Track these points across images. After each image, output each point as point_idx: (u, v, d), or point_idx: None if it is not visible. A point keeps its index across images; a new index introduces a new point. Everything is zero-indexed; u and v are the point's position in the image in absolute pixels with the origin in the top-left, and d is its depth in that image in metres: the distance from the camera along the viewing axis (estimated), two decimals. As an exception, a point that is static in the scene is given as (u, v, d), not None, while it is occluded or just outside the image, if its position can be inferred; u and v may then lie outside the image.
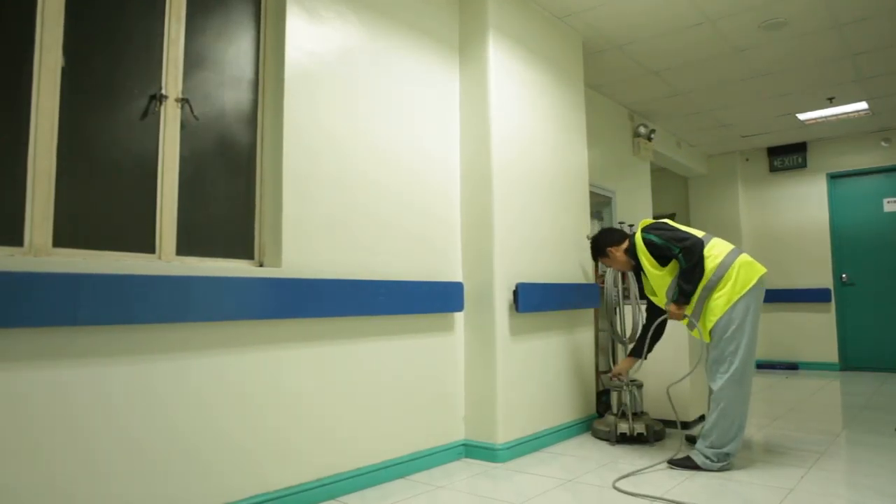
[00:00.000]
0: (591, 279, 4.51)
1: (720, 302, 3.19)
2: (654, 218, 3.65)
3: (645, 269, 3.44)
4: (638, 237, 3.45)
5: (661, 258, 3.35)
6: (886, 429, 4.10)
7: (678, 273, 3.26)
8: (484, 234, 3.60)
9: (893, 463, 3.28)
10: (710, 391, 3.25)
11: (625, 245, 3.61)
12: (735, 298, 3.16)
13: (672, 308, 3.29)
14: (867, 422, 4.43)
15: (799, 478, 3.03)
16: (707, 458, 3.16)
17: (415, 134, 3.46)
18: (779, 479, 3.01)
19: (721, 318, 3.18)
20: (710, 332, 3.25)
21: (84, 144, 2.29)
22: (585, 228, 4.48)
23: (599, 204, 5.87)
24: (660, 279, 3.38)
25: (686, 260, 3.20)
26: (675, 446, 3.69)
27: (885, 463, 3.28)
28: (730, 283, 3.18)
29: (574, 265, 4.28)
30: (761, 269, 3.24)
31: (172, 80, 2.54)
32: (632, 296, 4.08)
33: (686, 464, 3.21)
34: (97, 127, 2.33)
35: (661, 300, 3.46)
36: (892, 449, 3.57)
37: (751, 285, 3.17)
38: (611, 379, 3.93)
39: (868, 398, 5.49)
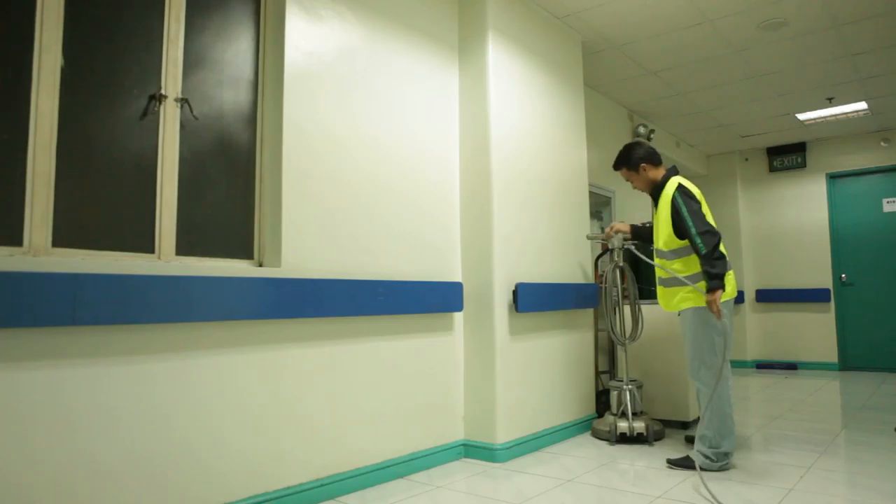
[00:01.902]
0: (591, 279, 4.51)
1: (694, 295, 3.21)
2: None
3: (659, 215, 3.37)
4: (672, 187, 3.31)
5: (676, 226, 3.26)
6: (886, 428, 4.10)
7: (700, 259, 3.14)
8: (483, 234, 3.60)
9: (893, 462, 3.28)
10: (699, 392, 3.27)
11: (659, 173, 3.45)
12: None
13: (708, 298, 3.11)
14: (866, 421, 4.43)
15: (798, 477, 3.04)
16: (707, 457, 3.17)
17: (414, 134, 3.46)
18: (778, 479, 3.01)
19: (694, 311, 3.22)
20: (680, 315, 3.37)
21: (83, 144, 2.29)
22: (585, 228, 4.48)
23: (599, 204, 5.87)
24: (666, 232, 3.31)
25: (704, 244, 3.10)
26: (674, 446, 3.69)
27: (884, 462, 3.29)
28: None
29: (574, 265, 4.28)
30: (733, 293, 3.24)
31: (172, 80, 2.54)
32: (631, 296, 4.08)
33: (685, 464, 3.22)
34: (96, 127, 2.33)
35: (658, 243, 3.41)
36: (891, 449, 3.57)
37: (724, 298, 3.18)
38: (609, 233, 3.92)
39: (867, 398, 5.49)
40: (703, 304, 3.17)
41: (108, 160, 2.35)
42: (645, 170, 3.48)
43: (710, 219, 3.26)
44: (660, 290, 3.44)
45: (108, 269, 2.11)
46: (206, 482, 2.34)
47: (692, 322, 3.25)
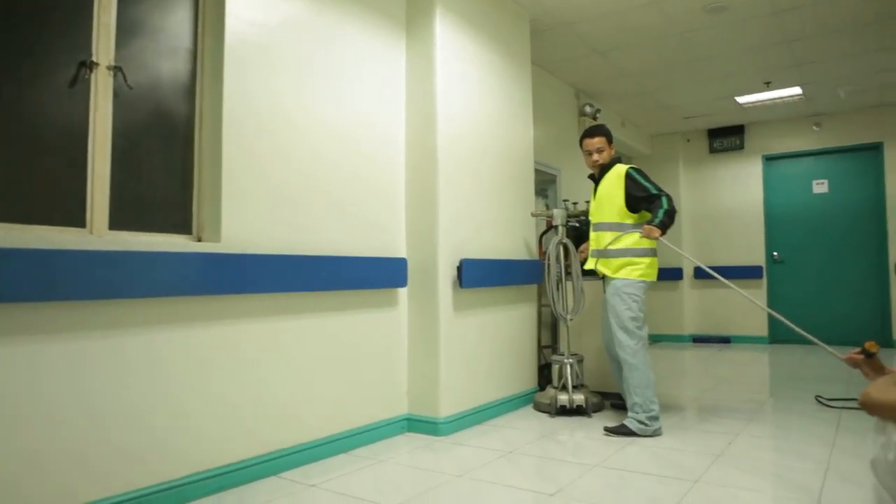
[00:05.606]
0: (535, 255, 4.58)
1: (635, 272, 3.51)
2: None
3: (604, 192, 3.67)
4: (624, 168, 3.65)
5: (633, 199, 3.56)
6: (809, 397, 4.35)
7: (663, 210, 3.46)
8: (428, 210, 3.60)
9: (814, 428, 3.49)
10: (623, 363, 3.49)
11: (610, 150, 3.80)
12: (647, 279, 3.53)
13: (649, 228, 3.46)
14: (792, 391, 4.69)
15: (727, 443, 3.20)
16: (641, 423, 3.37)
17: (360, 109, 3.41)
18: (709, 445, 3.17)
19: (634, 282, 3.50)
20: (613, 283, 3.56)
21: (8, 113, 2.17)
22: (530, 205, 4.54)
23: (544, 182, 5.94)
24: (618, 205, 3.59)
25: (668, 203, 3.48)
26: (613, 417, 3.82)
27: (806, 428, 3.49)
28: (648, 266, 3.55)
29: (518, 241, 4.34)
30: (653, 276, 3.59)
31: (104, 47, 2.42)
32: (574, 272, 4.17)
33: (622, 430, 3.38)
34: (22, 95, 2.21)
35: (600, 216, 3.68)
36: (813, 416, 3.80)
37: (652, 279, 3.56)
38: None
39: (793, 369, 5.81)
40: (649, 279, 3.53)
41: (34, 130, 2.24)
42: (606, 145, 3.80)
43: None
44: (602, 261, 3.62)
45: (34, 244, 2.03)
46: (149, 460, 2.31)
47: (621, 293, 3.50)
